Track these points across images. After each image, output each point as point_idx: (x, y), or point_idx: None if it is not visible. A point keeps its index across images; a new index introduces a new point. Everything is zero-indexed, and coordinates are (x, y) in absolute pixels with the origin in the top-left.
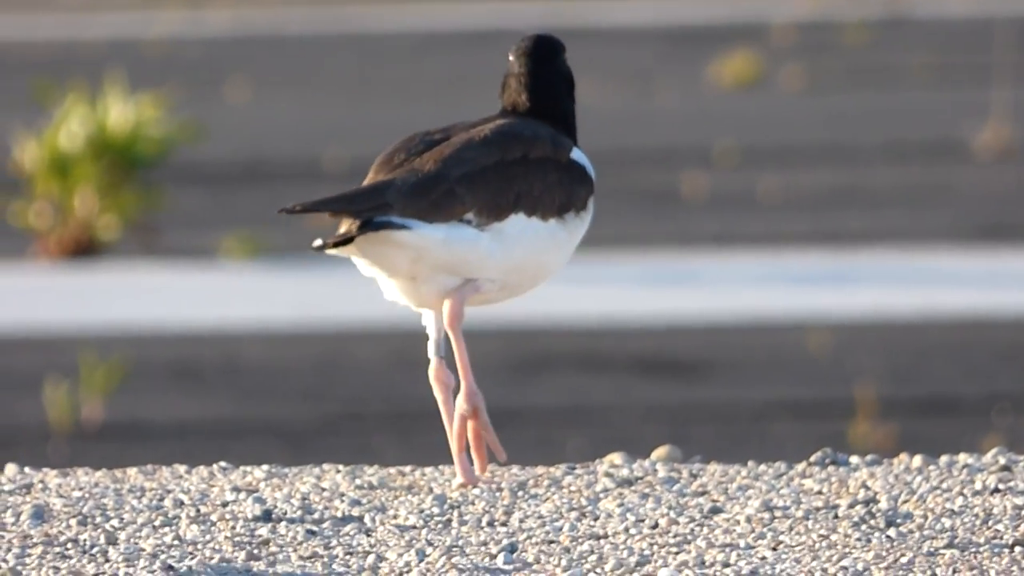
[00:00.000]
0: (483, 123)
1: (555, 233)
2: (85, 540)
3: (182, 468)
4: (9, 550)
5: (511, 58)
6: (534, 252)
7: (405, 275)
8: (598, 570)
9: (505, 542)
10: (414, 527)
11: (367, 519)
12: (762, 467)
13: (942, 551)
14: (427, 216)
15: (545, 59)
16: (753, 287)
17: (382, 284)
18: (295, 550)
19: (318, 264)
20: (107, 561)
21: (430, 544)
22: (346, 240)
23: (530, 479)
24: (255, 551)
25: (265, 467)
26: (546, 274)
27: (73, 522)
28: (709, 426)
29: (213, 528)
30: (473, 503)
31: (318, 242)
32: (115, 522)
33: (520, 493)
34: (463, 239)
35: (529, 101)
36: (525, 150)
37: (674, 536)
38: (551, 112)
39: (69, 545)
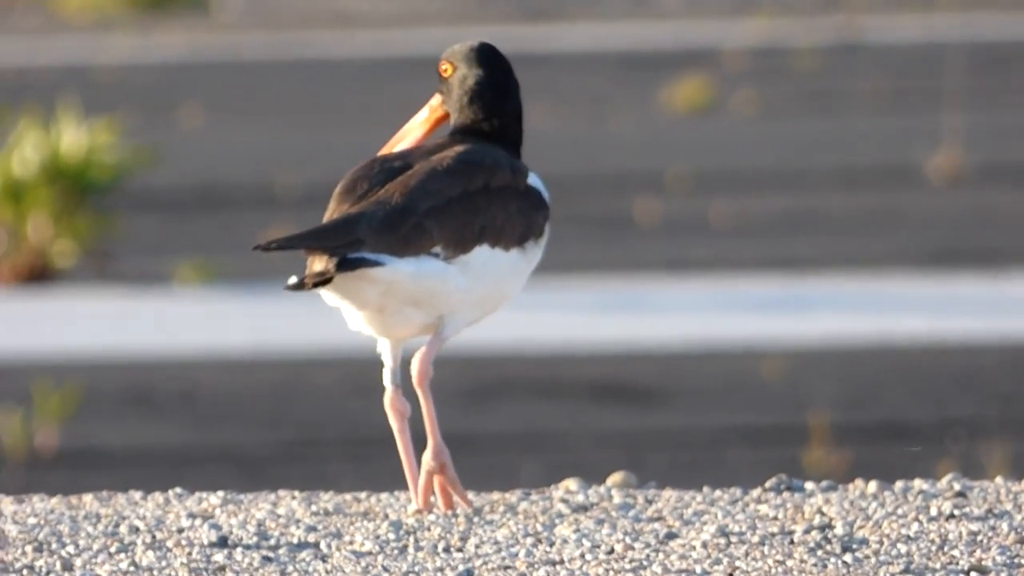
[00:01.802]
0: (439, 149)
1: (516, 262)
2: (41, 567)
3: (138, 495)
4: None
5: (459, 67)
6: (497, 282)
7: (373, 308)
8: None
9: (461, 568)
10: (370, 553)
11: (323, 545)
12: (717, 493)
13: None
14: (398, 251)
15: (501, 68)
16: (706, 313)
17: (347, 315)
18: None
19: (273, 290)
20: None
21: (386, 570)
22: (325, 280)
23: (486, 505)
24: None
25: (221, 493)
26: (506, 302)
27: (29, 549)
28: (664, 452)
29: (169, 554)
30: (429, 529)
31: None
32: (71, 548)
33: (476, 519)
34: (431, 273)
35: (487, 116)
36: (487, 179)
37: (630, 562)
38: (508, 128)
39: (25, 572)
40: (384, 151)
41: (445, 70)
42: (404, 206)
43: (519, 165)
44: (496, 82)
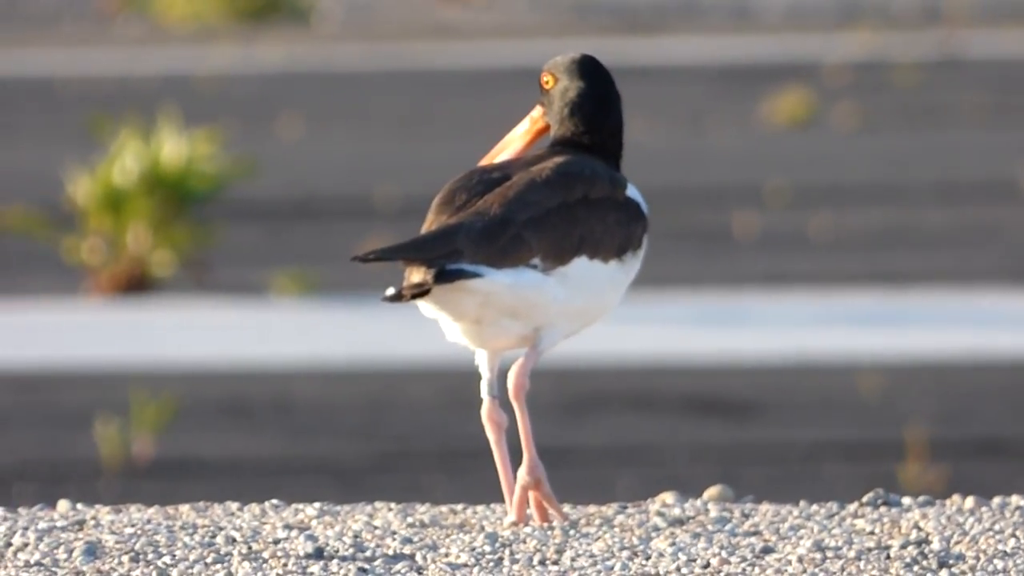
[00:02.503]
0: (538, 160)
1: (615, 274)
2: None
3: (234, 505)
4: None
5: (561, 78)
6: (596, 294)
7: (471, 319)
8: None
9: None
10: (466, 565)
11: (419, 557)
12: (814, 507)
13: None
14: (496, 262)
15: (603, 80)
16: (804, 327)
17: (444, 326)
18: None
19: (370, 302)
20: None
21: None
22: (423, 292)
23: (582, 518)
24: None
25: (317, 505)
26: (604, 314)
27: (125, 559)
28: (760, 466)
29: (265, 565)
30: (525, 541)
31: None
32: (167, 559)
33: (572, 532)
34: (530, 284)
35: (589, 128)
36: (586, 190)
37: None
38: (608, 140)
39: None
40: (484, 162)
41: (547, 82)
42: (503, 217)
43: (618, 177)
44: (597, 95)
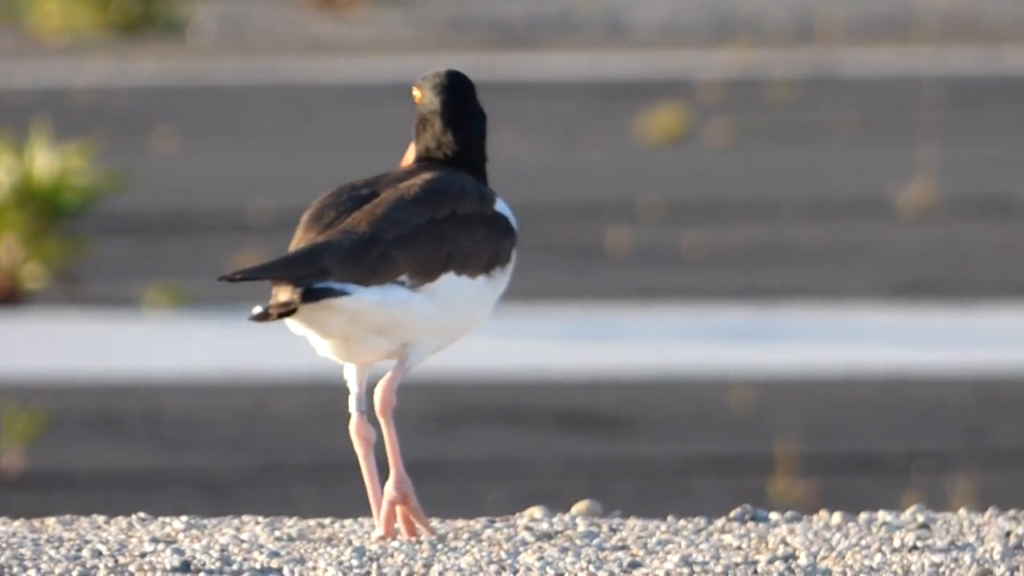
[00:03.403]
0: (407, 176)
1: (483, 290)
2: None
3: (101, 519)
4: None
5: (427, 94)
6: (464, 310)
7: (338, 336)
8: None
9: None
10: None
11: (286, 571)
12: (682, 522)
13: None
14: (364, 280)
15: (467, 96)
16: (676, 342)
17: (313, 342)
18: None
19: (242, 316)
20: None
21: None
22: (290, 311)
23: (450, 532)
24: None
25: (184, 518)
26: (472, 329)
27: None
28: (630, 481)
29: None
30: (392, 555)
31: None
32: (32, 572)
33: (439, 546)
34: (397, 301)
35: (454, 143)
36: (454, 206)
37: None
38: (471, 155)
39: None
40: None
41: (416, 96)
42: (370, 235)
43: (486, 192)
44: (457, 109)
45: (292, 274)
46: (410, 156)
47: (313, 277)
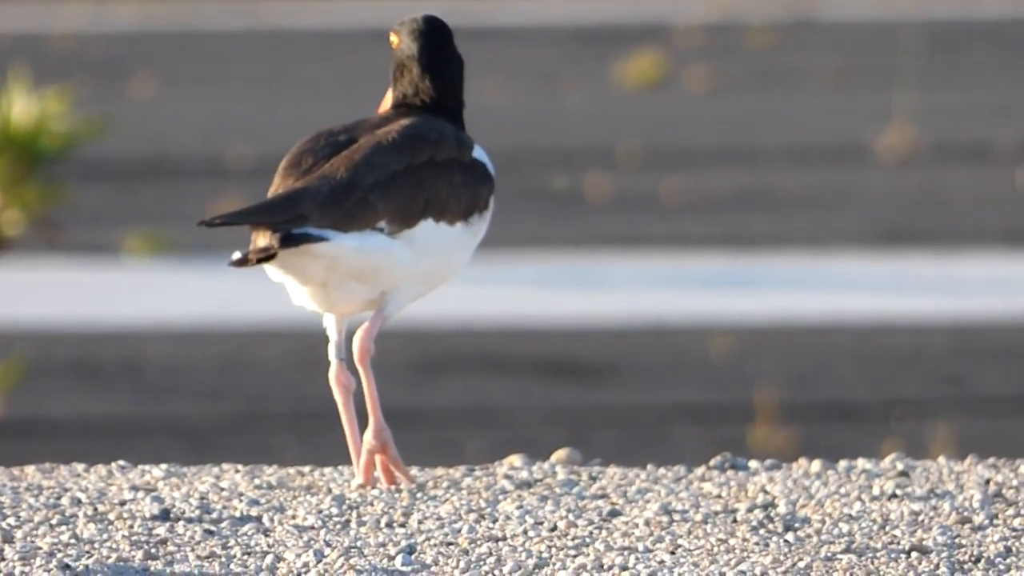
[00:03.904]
0: (384, 122)
1: (461, 236)
2: None
3: (80, 467)
4: None
5: (404, 40)
6: (442, 257)
7: (317, 283)
8: (496, 572)
9: (403, 543)
10: (312, 527)
11: (265, 519)
12: (661, 471)
13: (839, 556)
14: (342, 226)
15: (444, 41)
16: (656, 290)
17: (291, 290)
18: (193, 550)
19: (222, 263)
20: (2, 560)
21: (328, 545)
22: (269, 256)
23: (429, 480)
24: (153, 550)
25: (163, 466)
26: (451, 277)
27: None
28: (610, 429)
29: (111, 527)
30: (372, 504)
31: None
32: (11, 520)
33: (419, 495)
34: (376, 247)
35: (432, 89)
36: (432, 152)
37: (572, 539)
38: (448, 101)
39: None
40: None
41: (392, 41)
42: (348, 181)
43: (464, 138)
44: (434, 55)
45: (271, 219)
46: (387, 102)
47: (292, 223)
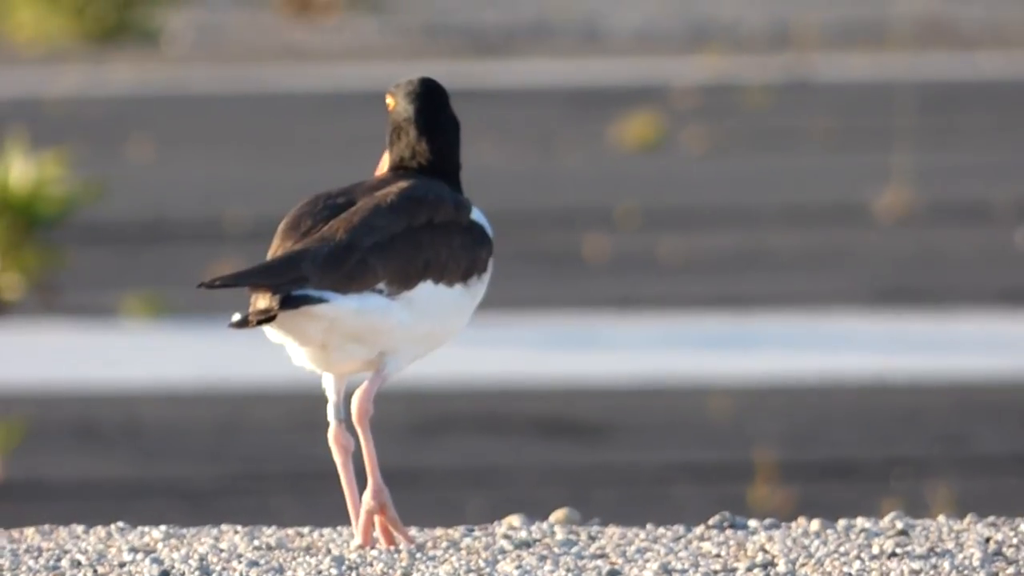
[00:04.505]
0: (382, 185)
1: (460, 298)
2: None
3: (80, 528)
4: None
5: (400, 102)
6: (441, 318)
7: (316, 344)
8: None
9: None
10: None
11: None
12: (661, 530)
13: None
14: (342, 287)
15: (441, 104)
16: (654, 350)
17: (290, 351)
18: None
19: (219, 325)
20: None
21: None
22: (269, 318)
23: (428, 540)
24: None
25: (163, 527)
26: (449, 339)
27: None
28: (609, 489)
29: None
30: (371, 564)
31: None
32: None
33: (418, 555)
34: (375, 309)
35: (428, 151)
36: (430, 215)
37: None
38: (445, 163)
39: None
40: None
41: (389, 104)
42: (348, 243)
43: (462, 200)
44: (430, 117)
45: (270, 281)
46: (384, 165)
47: (291, 284)
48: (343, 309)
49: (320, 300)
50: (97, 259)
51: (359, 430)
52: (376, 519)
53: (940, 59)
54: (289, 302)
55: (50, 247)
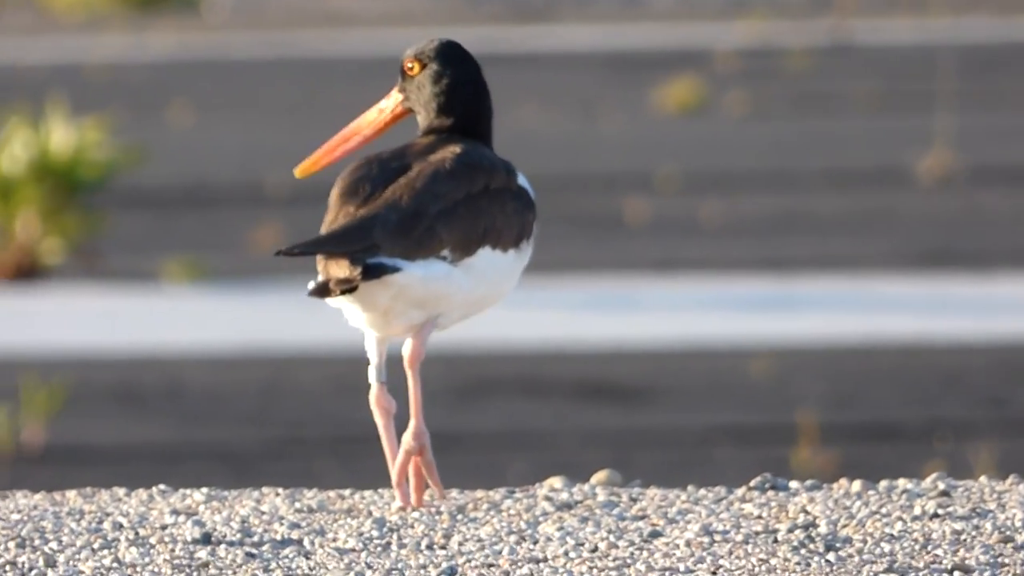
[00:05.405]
0: (432, 149)
1: (513, 263)
2: (24, 563)
3: (121, 491)
4: None
5: (432, 65)
6: (495, 283)
7: (380, 310)
8: None
9: (444, 565)
10: (353, 550)
11: (306, 542)
12: (702, 491)
13: (881, 575)
14: (411, 255)
15: (474, 65)
16: (695, 312)
17: (348, 314)
18: (235, 572)
19: (260, 288)
20: None
21: (369, 567)
22: (352, 288)
23: (469, 503)
24: (195, 573)
25: (204, 490)
26: (499, 301)
27: (11, 545)
28: (650, 451)
29: (152, 551)
30: (412, 526)
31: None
32: (54, 544)
33: (459, 516)
34: (440, 276)
35: (466, 114)
36: (487, 181)
37: (613, 560)
38: (480, 126)
39: (7, 568)
40: (335, 142)
41: (411, 68)
42: (415, 210)
43: (510, 165)
44: (472, 80)
45: (345, 248)
46: (368, 118)
47: (365, 252)
48: (412, 276)
49: (395, 269)
50: (137, 224)
51: (409, 373)
52: (411, 476)
53: (982, 22)
54: (370, 272)
55: (91, 212)
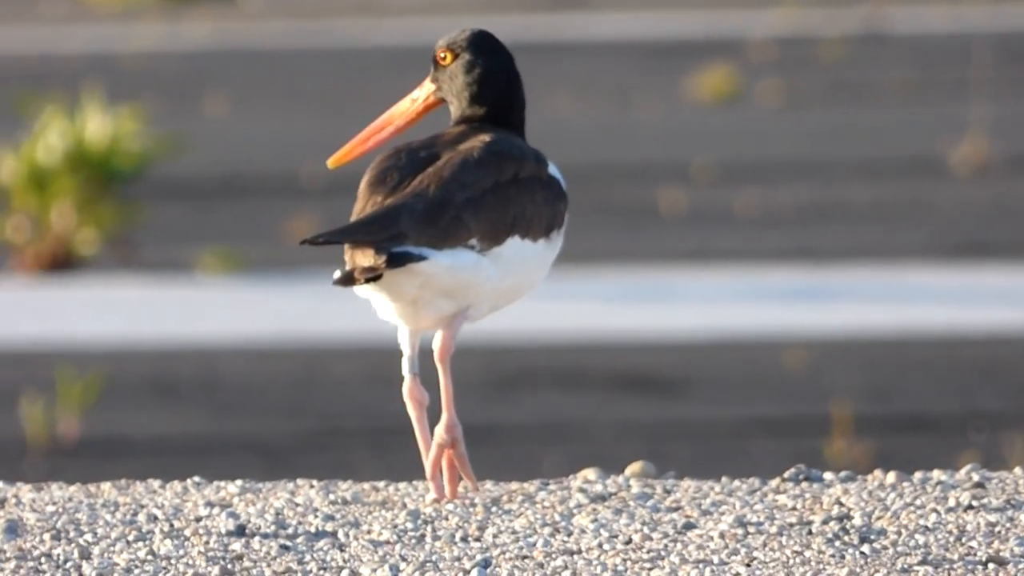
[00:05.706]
0: (462, 138)
1: (543, 252)
2: (59, 555)
3: (156, 483)
4: None
5: (465, 55)
6: (525, 272)
7: (408, 300)
8: None
9: (479, 557)
10: (388, 542)
11: (340, 534)
12: (736, 483)
13: (915, 567)
14: (438, 244)
15: (507, 55)
16: (730, 303)
17: (378, 305)
18: (269, 565)
19: (296, 279)
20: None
21: (404, 559)
22: (376, 276)
23: (504, 495)
24: (229, 566)
25: (239, 482)
26: (529, 292)
27: (47, 536)
28: (685, 443)
29: (187, 543)
30: (447, 518)
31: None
32: (89, 536)
33: (494, 508)
34: (468, 265)
35: (498, 104)
36: (516, 170)
37: (647, 552)
38: (513, 115)
39: (43, 560)
40: (368, 133)
41: (443, 58)
42: (442, 199)
43: (540, 155)
44: (505, 69)
45: (371, 237)
46: (401, 108)
47: (391, 241)
48: (439, 265)
49: (420, 257)
50: (173, 214)
51: (440, 367)
52: (445, 467)
53: (1018, 10)
54: (395, 260)
55: (127, 202)
